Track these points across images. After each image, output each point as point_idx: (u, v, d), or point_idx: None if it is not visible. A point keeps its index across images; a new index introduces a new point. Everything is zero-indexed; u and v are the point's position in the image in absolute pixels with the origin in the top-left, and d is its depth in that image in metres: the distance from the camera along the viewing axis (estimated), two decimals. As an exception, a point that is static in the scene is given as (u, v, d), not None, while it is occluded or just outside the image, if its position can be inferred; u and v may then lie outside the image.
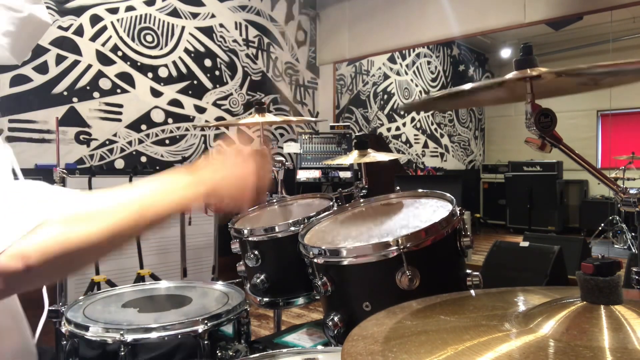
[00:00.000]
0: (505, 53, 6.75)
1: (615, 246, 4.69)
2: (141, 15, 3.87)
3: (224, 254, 3.92)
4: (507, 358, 0.52)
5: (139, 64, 3.85)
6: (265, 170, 0.80)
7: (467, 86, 0.84)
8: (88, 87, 3.55)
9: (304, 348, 1.24)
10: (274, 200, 1.87)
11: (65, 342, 1.20)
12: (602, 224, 4.85)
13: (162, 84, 4.00)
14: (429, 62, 6.74)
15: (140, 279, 3.22)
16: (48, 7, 3.32)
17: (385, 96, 6.05)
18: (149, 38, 3.92)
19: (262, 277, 1.45)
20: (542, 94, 0.91)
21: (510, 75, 0.85)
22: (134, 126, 3.83)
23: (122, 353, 1.12)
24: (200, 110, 4.27)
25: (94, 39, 3.59)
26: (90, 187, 3.33)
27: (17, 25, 0.76)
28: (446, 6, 4.24)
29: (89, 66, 3.56)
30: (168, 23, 4.04)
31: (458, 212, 1.14)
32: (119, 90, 3.73)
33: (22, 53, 0.83)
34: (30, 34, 0.80)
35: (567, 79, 0.94)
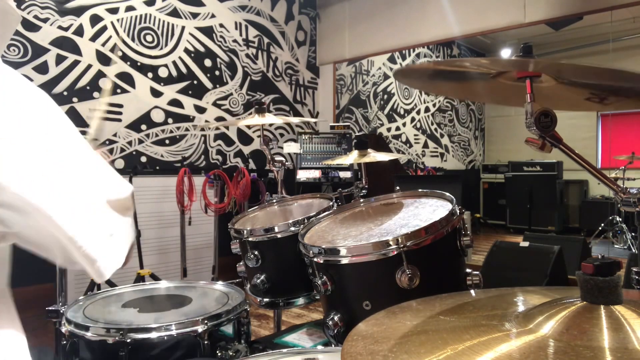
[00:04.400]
0: (505, 53, 6.74)
1: (615, 246, 4.69)
2: (141, 15, 3.87)
3: (224, 254, 3.92)
4: (507, 358, 0.52)
5: (139, 64, 3.85)
6: None
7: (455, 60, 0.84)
8: (88, 87, 3.55)
9: (304, 348, 1.25)
10: (274, 200, 1.87)
11: (65, 342, 1.20)
12: (602, 224, 4.84)
13: (162, 84, 4.00)
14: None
15: (140, 279, 3.22)
16: (48, 7, 3.32)
17: (385, 96, 6.05)
18: (149, 38, 3.92)
19: (262, 277, 1.45)
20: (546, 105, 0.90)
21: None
22: (134, 126, 3.83)
23: (122, 353, 1.12)
24: (200, 110, 4.27)
25: (94, 39, 3.58)
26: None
27: None
28: (446, 6, 4.24)
29: (89, 66, 3.56)
30: (168, 23, 4.04)
31: (458, 211, 1.14)
32: (119, 90, 3.73)
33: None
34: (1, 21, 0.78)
35: (572, 93, 0.93)
